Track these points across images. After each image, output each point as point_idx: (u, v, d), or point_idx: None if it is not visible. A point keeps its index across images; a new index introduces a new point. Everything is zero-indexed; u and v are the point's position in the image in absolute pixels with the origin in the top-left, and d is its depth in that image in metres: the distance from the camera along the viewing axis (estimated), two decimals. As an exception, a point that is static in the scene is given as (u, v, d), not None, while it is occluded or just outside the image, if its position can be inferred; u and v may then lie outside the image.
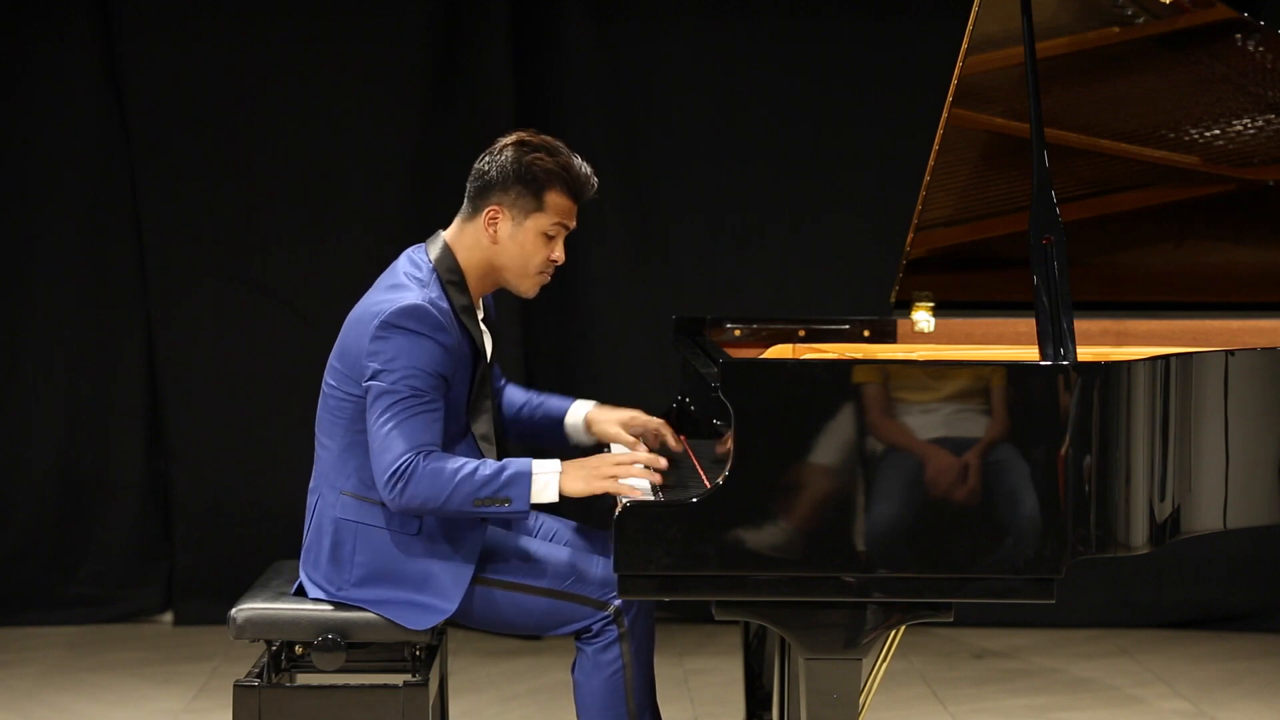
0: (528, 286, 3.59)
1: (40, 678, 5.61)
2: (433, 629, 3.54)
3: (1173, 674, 5.71)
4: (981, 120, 4.03)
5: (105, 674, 5.68)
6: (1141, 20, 3.96)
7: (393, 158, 6.24)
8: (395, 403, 3.40)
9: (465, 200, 3.60)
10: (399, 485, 3.37)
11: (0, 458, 6.28)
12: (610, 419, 3.86)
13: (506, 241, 3.54)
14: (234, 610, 3.57)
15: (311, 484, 3.63)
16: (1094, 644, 6.09)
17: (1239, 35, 4.00)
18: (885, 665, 3.48)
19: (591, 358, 6.31)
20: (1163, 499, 3.32)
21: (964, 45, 3.76)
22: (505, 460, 3.42)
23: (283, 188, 6.26)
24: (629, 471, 3.42)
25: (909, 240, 4.24)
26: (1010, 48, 3.78)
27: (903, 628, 3.27)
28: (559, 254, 3.58)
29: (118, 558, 6.31)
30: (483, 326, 3.61)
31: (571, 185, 3.55)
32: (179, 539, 6.29)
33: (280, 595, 3.61)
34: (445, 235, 3.61)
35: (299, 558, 3.69)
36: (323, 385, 3.59)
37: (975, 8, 3.68)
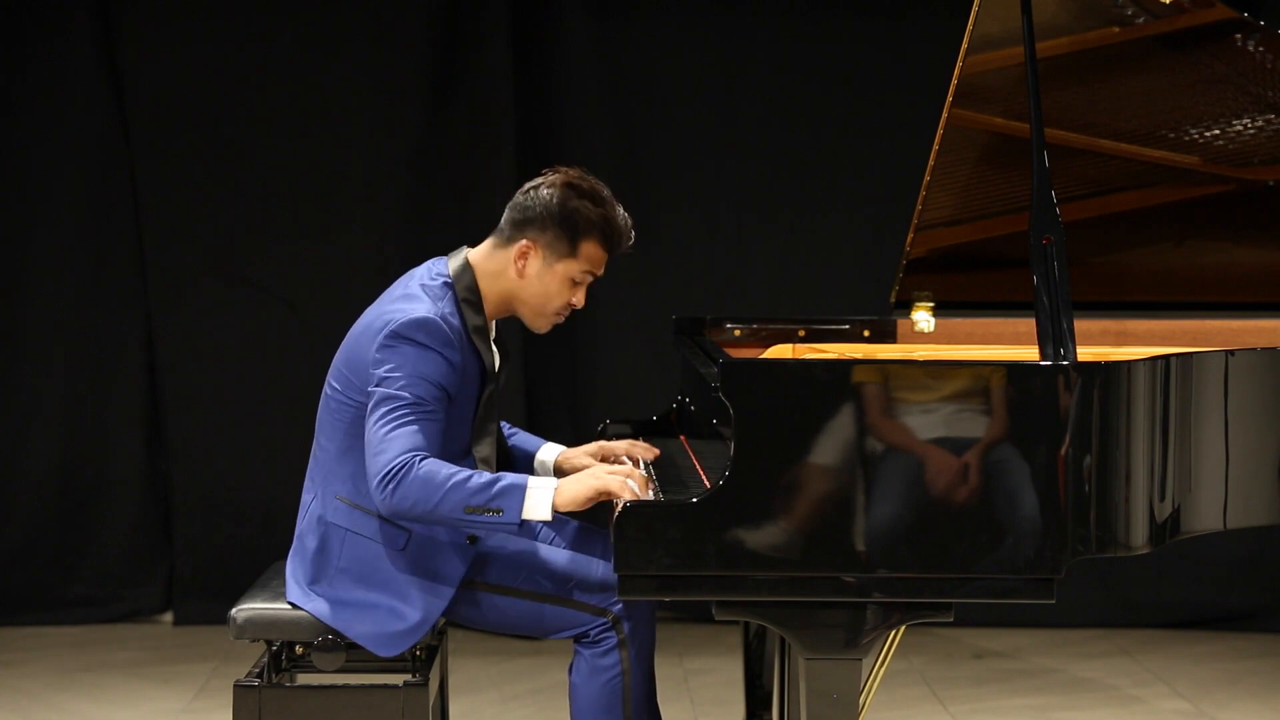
0: (542, 324, 3.58)
1: (40, 678, 5.61)
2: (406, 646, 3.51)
3: (1173, 674, 5.71)
4: (981, 120, 4.02)
5: (105, 674, 5.68)
6: (1141, 20, 3.96)
7: (393, 158, 6.23)
8: (396, 408, 3.36)
9: (501, 225, 3.55)
10: (390, 485, 3.31)
11: (0, 458, 6.28)
12: (579, 453, 3.82)
13: (532, 279, 3.52)
14: (234, 610, 3.57)
15: (307, 481, 3.62)
16: (1094, 644, 6.09)
17: (1239, 35, 4.00)
18: (885, 665, 3.47)
19: (591, 357, 6.31)
20: (1163, 499, 3.32)
21: (964, 45, 3.75)
22: (501, 473, 3.37)
23: (283, 188, 6.26)
24: (618, 477, 3.33)
25: (909, 240, 4.23)
26: (1010, 48, 3.77)
27: (903, 628, 3.26)
28: (579, 300, 3.56)
29: (118, 558, 6.31)
30: (494, 348, 3.57)
31: (609, 238, 3.53)
32: (179, 539, 6.29)
33: (280, 595, 3.61)
34: (470, 254, 3.56)
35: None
36: (325, 386, 3.58)
37: (975, 8, 3.68)
